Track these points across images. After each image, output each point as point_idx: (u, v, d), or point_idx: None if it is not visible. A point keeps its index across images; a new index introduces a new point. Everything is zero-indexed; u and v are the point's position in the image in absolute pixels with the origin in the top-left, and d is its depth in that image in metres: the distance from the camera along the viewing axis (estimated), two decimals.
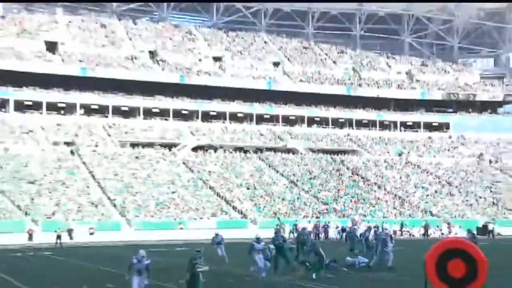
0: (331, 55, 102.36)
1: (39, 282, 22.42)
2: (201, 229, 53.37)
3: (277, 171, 76.09)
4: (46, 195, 61.00)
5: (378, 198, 72.36)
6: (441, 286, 5.99)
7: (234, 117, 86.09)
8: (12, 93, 76.50)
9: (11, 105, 75.75)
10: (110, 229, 56.28)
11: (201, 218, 61.48)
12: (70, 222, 55.67)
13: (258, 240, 23.85)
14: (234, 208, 65.07)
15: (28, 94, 77.38)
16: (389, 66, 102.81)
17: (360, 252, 29.41)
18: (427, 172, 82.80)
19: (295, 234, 41.49)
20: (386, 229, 37.31)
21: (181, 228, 58.11)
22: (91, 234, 54.12)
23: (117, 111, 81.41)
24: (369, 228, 36.56)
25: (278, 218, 61.04)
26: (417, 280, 13.21)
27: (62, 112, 78.79)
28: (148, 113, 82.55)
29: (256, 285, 22.47)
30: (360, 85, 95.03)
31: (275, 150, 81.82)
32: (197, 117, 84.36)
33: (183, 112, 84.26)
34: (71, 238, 51.47)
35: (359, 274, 25.45)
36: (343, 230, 55.02)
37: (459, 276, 6.00)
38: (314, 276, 22.97)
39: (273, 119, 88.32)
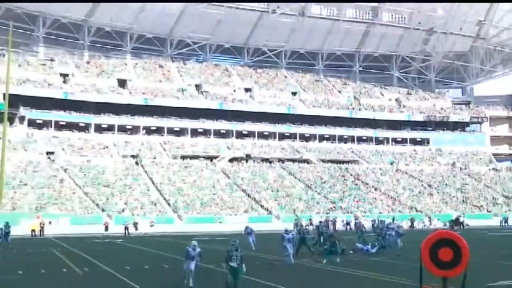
0: (337, 86, 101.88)
1: (112, 262, 22.53)
2: (235, 223, 53.24)
3: (295, 177, 75.65)
4: (118, 196, 61.45)
5: (375, 198, 71.55)
6: (433, 267, 5.89)
7: (261, 135, 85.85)
8: (92, 118, 77.48)
9: (92, 127, 76.79)
10: (166, 223, 56.42)
11: (235, 214, 61.25)
12: (135, 217, 55.93)
13: (286, 231, 23.63)
14: (261, 206, 64.73)
15: (105, 119, 78.24)
16: (382, 95, 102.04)
17: (368, 241, 28.96)
18: (413, 177, 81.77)
19: (312, 227, 41.27)
20: (396, 223, 37.30)
21: (220, 222, 57.90)
22: (152, 226, 54.27)
23: (171, 131, 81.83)
24: (379, 222, 35.82)
25: (296, 214, 60.72)
26: (412, 263, 12.94)
27: (129, 132, 79.48)
28: (194, 133, 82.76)
29: (279, 267, 22.25)
30: (360, 109, 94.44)
31: (293, 160, 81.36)
32: (232, 135, 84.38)
33: (221, 131, 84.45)
34: (136, 229, 51.67)
35: (367, 257, 25.15)
36: (348, 223, 54.71)
37: (447, 260, 5.93)
38: (325, 261, 22.68)
39: (292, 136, 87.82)
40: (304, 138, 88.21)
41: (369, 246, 27.39)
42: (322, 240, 26.47)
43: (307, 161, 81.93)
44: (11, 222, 47.78)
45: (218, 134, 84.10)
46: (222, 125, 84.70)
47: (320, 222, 38.46)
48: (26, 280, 18.47)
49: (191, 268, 15.57)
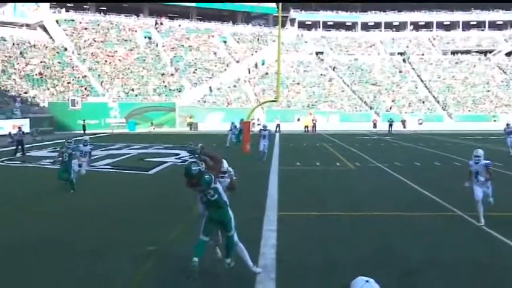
0: None
1: (380, 157, 22.43)
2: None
3: None
4: (385, 94, 61.04)
5: None
6: None
7: None
8: (359, 17, 77.06)
9: (359, 25, 76.54)
10: (434, 121, 54.40)
11: None
12: (403, 114, 55.05)
13: None
14: None
15: (371, 16, 77.06)
16: None
17: None
18: None
19: None
20: None
21: (494, 121, 53.35)
22: (420, 124, 52.88)
23: (440, 25, 76.63)
24: None
25: None
26: None
27: (396, 29, 76.95)
28: (466, 25, 76.06)
29: None
30: None
31: None
32: (511, 26, 74.98)
33: (498, 22, 75.60)
34: (404, 127, 50.95)
35: None
36: None
37: None
38: None
39: None
40: None
41: None
42: None
43: None
44: (286, 119, 51.67)
45: (494, 25, 75.56)
46: (499, 15, 75.57)
47: None
48: (307, 170, 19.63)
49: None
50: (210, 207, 6.72)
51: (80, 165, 15.92)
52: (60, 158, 14.47)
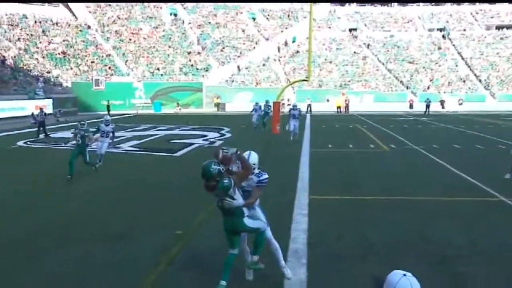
0: None
1: (416, 139, 22.22)
2: None
3: None
4: (423, 73, 60.11)
5: None
6: None
7: None
8: None
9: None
10: (476, 101, 53.38)
11: None
12: (441, 94, 54.21)
13: None
14: None
15: None
16: None
17: None
18: None
19: None
20: None
21: None
22: (460, 104, 51.97)
23: None
24: None
25: None
26: None
27: (435, 3, 75.32)
28: None
29: None
30: None
31: None
32: None
33: None
34: (443, 107, 50.23)
35: None
36: None
37: None
38: None
39: None
40: None
41: None
42: None
43: None
44: (318, 99, 51.48)
45: None
46: None
47: None
48: (340, 152, 19.60)
49: None
50: (224, 215, 6.12)
51: (100, 146, 16.05)
52: (74, 141, 14.49)
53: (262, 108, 30.66)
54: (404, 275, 3.05)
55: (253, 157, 6.31)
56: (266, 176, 6.34)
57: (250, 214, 6.21)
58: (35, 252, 7.67)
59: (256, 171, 6.30)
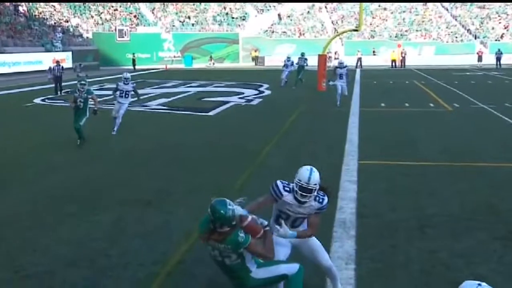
0: None
1: (484, 97, 21.76)
2: None
3: None
4: (495, 19, 58.43)
5: None
6: None
7: None
8: None
9: None
10: None
11: None
12: None
13: None
14: None
15: None
16: None
17: None
18: None
19: None
20: None
21: None
22: None
23: None
24: None
25: None
26: None
27: None
28: None
29: None
30: None
31: None
32: None
33: None
34: None
35: None
36: None
37: None
38: None
39: None
40: None
41: None
42: None
43: None
44: (369, 52, 50.86)
45: None
46: None
47: None
48: (394, 112, 19.40)
49: None
50: (223, 272, 4.83)
51: (117, 109, 15.20)
52: (74, 104, 13.41)
53: (296, 63, 30.30)
54: (479, 284, 3.05)
55: (314, 177, 4.99)
56: (327, 200, 5.18)
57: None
58: (58, 218, 7.87)
59: (315, 193, 5.04)
